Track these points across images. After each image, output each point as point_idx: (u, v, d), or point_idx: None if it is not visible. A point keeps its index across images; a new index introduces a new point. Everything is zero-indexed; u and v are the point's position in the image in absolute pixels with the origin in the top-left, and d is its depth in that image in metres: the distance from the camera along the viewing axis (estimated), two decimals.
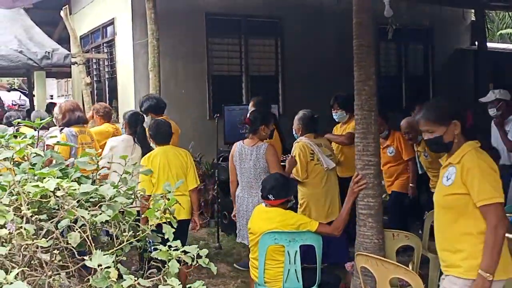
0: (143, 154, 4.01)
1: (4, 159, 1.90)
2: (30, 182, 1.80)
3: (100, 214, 1.81)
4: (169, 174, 3.73)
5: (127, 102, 6.88)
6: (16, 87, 15.45)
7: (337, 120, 4.87)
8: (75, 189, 1.78)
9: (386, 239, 3.02)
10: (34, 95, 11.04)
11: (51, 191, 1.73)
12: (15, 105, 14.98)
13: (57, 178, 1.84)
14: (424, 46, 8.96)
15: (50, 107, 10.75)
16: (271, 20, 7.45)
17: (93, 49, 8.04)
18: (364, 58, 2.97)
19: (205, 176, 6.17)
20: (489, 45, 9.03)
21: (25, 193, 1.72)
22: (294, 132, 4.23)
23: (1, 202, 1.71)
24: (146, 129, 4.59)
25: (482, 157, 2.22)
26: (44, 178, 1.79)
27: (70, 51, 8.10)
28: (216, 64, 7.11)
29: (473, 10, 9.10)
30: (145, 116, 4.66)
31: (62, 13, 6.97)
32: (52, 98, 19.83)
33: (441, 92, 8.82)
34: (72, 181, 1.89)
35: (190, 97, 6.80)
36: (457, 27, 9.18)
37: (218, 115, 5.53)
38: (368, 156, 2.98)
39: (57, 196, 1.74)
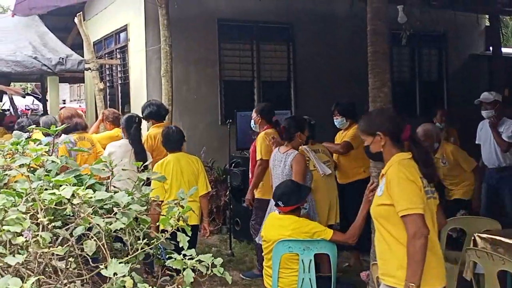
0: (137, 157, 3.87)
1: (20, 166, 1.92)
2: (46, 189, 1.81)
3: (115, 221, 1.81)
4: (182, 180, 3.81)
5: (140, 107, 6.89)
6: (29, 92, 15.63)
7: (338, 127, 4.84)
8: (90, 197, 1.78)
9: None
10: (47, 100, 11.17)
11: (67, 199, 1.73)
12: (28, 109, 15.12)
13: (73, 185, 1.86)
14: (438, 52, 8.86)
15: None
16: (283, 26, 7.42)
17: (106, 55, 8.10)
18: (379, 65, 2.96)
19: (217, 182, 6.14)
20: (504, 50, 8.89)
21: (41, 201, 1.73)
22: None
23: (18, 209, 1.71)
24: (145, 135, 4.58)
25: (402, 169, 2.25)
26: (61, 185, 1.79)
27: (83, 56, 8.17)
28: (228, 70, 7.11)
29: (487, 16, 8.99)
30: (146, 121, 4.61)
31: (76, 20, 7.03)
32: (64, 103, 20.02)
33: (455, 98, 8.73)
34: (86, 188, 1.90)
35: (202, 103, 6.80)
36: (471, 33, 9.06)
37: (230, 121, 5.49)
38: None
39: (73, 204, 1.75)
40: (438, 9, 7.77)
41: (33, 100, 14.70)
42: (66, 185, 1.77)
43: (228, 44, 7.06)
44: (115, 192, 2.04)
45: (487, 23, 9.12)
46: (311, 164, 4.05)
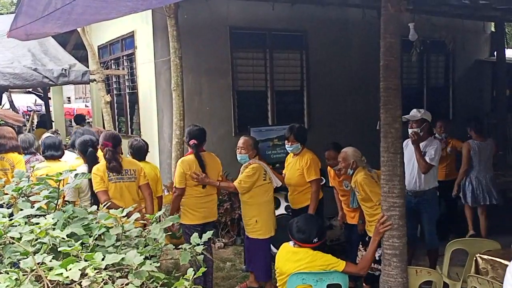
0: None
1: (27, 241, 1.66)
2: (53, 269, 1.54)
3: (127, 284, 1.63)
4: None
5: (149, 118, 6.08)
6: (31, 90, 14.23)
7: (290, 152, 4.41)
8: (100, 264, 1.57)
9: (409, 275, 2.97)
10: (49, 98, 10.04)
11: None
12: (30, 111, 13.60)
13: (81, 236, 1.81)
14: (445, 57, 8.18)
15: (79, 119, 9.81)
16: (295, 34, 6.63)
17: (112, 61, 7.14)
18: (390, 101, 2.79)
19: (231, 195, 5.53)
20: (507, 53, 8.25)
21: (48, 281, 1.55)
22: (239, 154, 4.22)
23: None
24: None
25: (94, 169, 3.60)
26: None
27: (87, 58, 7.16)
28: (241, 80, 6.31)
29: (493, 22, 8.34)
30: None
31: (78, 28, 6.07)
32: (69, 101, 18.65)
33: (461, 102, 8.12)
34: (95, 239, 1.82)
35: (214, 114, 6.01)
36: (478, 38, 8.45)
37: None
38: (393, 198, 2.86)
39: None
40: (446, 17, 7.10)
41: (36, 100, 13.30)
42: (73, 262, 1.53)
43: (241, 53, 6.22)
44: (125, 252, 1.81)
45: (493, 29, 8.45)
46: (268, 176, 4.10)
